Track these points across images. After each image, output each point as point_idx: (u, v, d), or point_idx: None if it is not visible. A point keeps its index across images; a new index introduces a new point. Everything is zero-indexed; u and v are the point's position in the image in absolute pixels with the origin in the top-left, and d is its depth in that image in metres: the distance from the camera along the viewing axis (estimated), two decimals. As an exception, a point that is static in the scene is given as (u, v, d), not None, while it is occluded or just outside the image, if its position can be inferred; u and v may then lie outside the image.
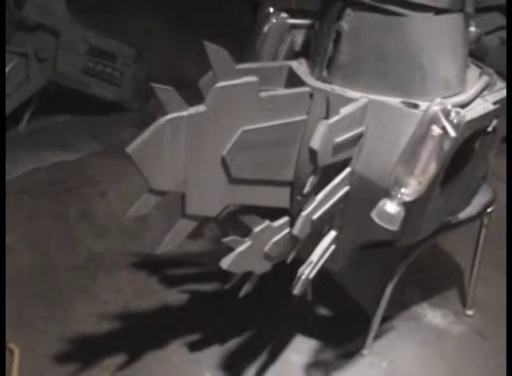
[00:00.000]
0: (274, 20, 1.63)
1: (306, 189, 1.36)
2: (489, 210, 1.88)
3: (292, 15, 1.66)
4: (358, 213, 1.47)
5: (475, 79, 1.58)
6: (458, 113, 1.30)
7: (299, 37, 1.65)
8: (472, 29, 1.61)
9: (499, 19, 2.70)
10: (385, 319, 1.93)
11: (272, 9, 1.65)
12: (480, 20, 2.62)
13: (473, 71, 1.63)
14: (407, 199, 1.32)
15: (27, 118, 3.07)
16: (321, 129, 1.26)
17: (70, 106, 3.19)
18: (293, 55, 1.63)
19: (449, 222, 1.75)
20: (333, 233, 1.55)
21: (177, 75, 2.76)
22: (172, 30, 3.88)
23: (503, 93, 1.57)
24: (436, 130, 1.29)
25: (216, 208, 1.43)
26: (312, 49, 1.54)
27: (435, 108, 1.29)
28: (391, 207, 1.31)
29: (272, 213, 1.57)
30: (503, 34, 2.62)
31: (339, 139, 1.31)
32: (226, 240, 1.51)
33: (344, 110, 1.30)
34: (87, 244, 2.31)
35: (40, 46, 2.85)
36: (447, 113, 1.29)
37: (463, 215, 1.78)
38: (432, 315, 2.08)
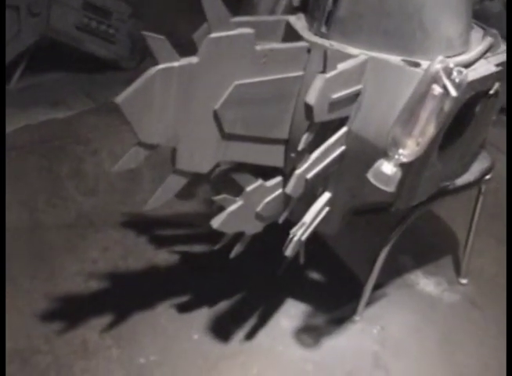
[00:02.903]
0: (271, -26, 1.57)
1: (300, 146, 1.32)
2: (487, 177, 1.84)
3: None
4: (354, 174, 1.43)
5: (478, 40, 1.54)
6: (460, 72, 1.25)
7: (295, -8, 1.59)
8: (477, -12, 1.56)
9: (504, -15, 2.65)
10: (378, 285, 1.90)
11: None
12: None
13: (476, 32, 1.59)
14: (404, 160, 1.28)
15: (18, 75, 3.00)
16: (317, 84, 1.21)
17: (64, 63, 3.14)
18: (291, 10, 1.58)
19: (446, 188, 1.71)
20: (327, 195, 1.51)
21: (174, 33, 2.69)
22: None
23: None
24: (437, 89, 1.24)
25: (207, 165, 1.39)
26: (311, 4, 1.48)
27: (437, 66, 1.25)
28: (387, 167, 1.27)
29: (266, 172, 1.53)
30: (506, -1, 2.58)
31: (336, 96, 1.26)
32: (217, 198, 1.48)
33: (342, 66, 1.26)
34: (76, 202, 2.27)
35: (32, 0, 2.77)
36: (449, 72, 1.25)
37: (460, 181, 1.74)
38: (425, 282, 2.05)
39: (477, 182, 1.81)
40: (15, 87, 2.99)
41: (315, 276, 2.01)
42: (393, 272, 2.05)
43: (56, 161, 2.48)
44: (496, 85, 1.48)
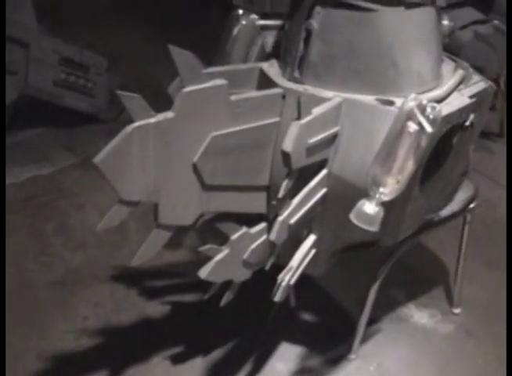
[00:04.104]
0: (244, 22, 1.59)
1: (281, 194, 1.32)
2: (472, 206, 1.85)
3: (262, 16, 1.62)
4: (337, 215, 1.43)
5: (450, 73, 1.55)
6: (434, 108, 1.26)
7: (270, 39, 1.61)
8: (445, 22, 1.59)
9: (473, 14, 2.68)
10: (371, 321, 1.90)
11: (241, 11, 1.61)
12: (453, 15, 2.62)
13: (448, 65, 1.60)
14: (385, 199, 1.28)
15: (-1, 133, 3.00)
16: (293, 131, 1.22)
17: (44, 119, 3.14)
18: (265, 57, 1.59)
19: (432, 220, 1.72)
20: (312, 237, 1.51)
21: (152, 83, 2.72)
22: (145, 38, 3.83)
23: (480, 86, 1.54)
24: (412, 126, 1.25)
25: (190, 217, 1.39)
26: (283, 50, 1.50)
27: (410, 104, 1.26)
28: (369, 207, 1.27)
29: (250, 219, 1.53)
30: (477, 28, 2.61)
31: (312, 140, 1.27)
32: (203, 249, 1.47)
33: (317, 110, 1.27)
34: (64, 259, 2.26)
35: (9, 59, 2.79)
36: (423, 109, 1.26)
37: (445, 213, 1.75)
38: (419, 315, 2.05)
39: (462, 211, 1.82)
40: (-4, 146, 2.98)
41: (307, 317, 2.01)
42: (386, 306, 2.05)
43: (42, 218, 2.47)
44: (471, 117, 1.49)
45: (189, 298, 2.05)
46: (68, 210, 2.53)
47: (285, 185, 1.32)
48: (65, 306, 2.04)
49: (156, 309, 2.02)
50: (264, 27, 1.62)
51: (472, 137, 1.61)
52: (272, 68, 1.49)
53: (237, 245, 1.50)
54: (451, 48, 2.20)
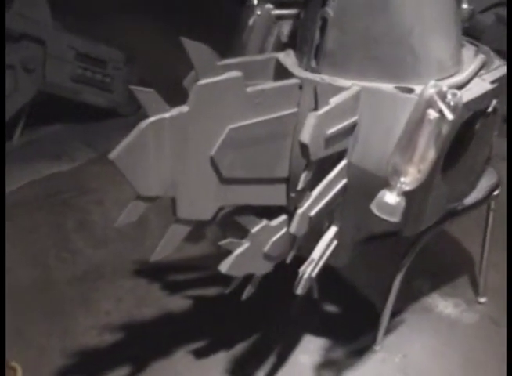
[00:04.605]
0: (259, 12, 1.57)
1: (300, 186, 1.30)
2: (496, 193, 1.82)
3: (278, 6, 1.60)
4: (358, 206, 1.41)
5: (471, 58, 1.52)
6: (454, 94, 1.23)
7: (286, 28, 1.59)
8: (465, 6, 1.56)
9: (494, -3, 2.63)
10: (395, 312, 1.87)
11: (256, 1, 1.59)
12: (474, -2, 2.58)
13: (468, 50, 1.57)
14: (407, 188, 1.26)
15: (19, 131, 3.00)
16: (310, 122, 1.20)
17: (63, 115, 3.13)
18: (281, 46, 1.57)
19: (455, 209, 1.69)
20: (333, 229, 1.49)
21: (171, 76, 2.69)
22: (162, 30, 3.81)
23: (502, 71, 1.50)
24: (433, 114, 1.23)
25: (209, 211, 1.38)
26: (299, 39, 1.48)
27: (430, 91, 1.23)
28: (390, 197, 1.25)
29: (270, 211, 1.51)
30: (499, 10, 2.55)
31: (331, 131, 1.25)
32: (223, 243, 1.46)
33: (334, 100, 1.25)
34: (86, 255, 2.26)
35: (26, 57, 2.79)
36: (443, 96, 1.23)
37: (468, 201, 1.72)
38: (443, 305, 2.02)
39: (486, 199, 1.79)
40: (16, 143, 2.98)
41: (330, 308, 1.99)
42: (410, 296, 2.02)
43: (63, 215, 2.47)
44: (494, 102, 1.46)
45: (210, 291, 2.04)
46: (89, 206, 2.52)
47: (304, 177, 1.30)
48: (87, 302, 2.03)
49: (178, 303, 2.01)
50: (279, 17, 1.59)
51: (495, 123, 1.58)
52: (288, 58, 1.47)
53: (257, 238, 1.49)
54: (472, 32, 2.16)
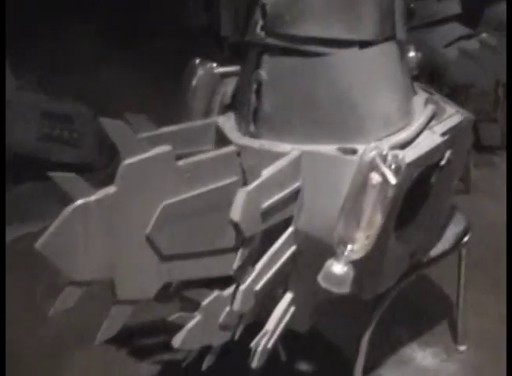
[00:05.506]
0: (201, 72, 1.52)
1: (236, 264, 1.23)
2: (465, 239, 1.75)
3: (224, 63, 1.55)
4: (312, 272, 1.34)
5: (422, 108, 1.46)
6: (396, 156, 1.17)
7: (230, 87, 1.53)
8: (412, 54, 1.50)
9: (458, 29, 2.58)
10: (371, 367, 1.79)
11: (198, 60, 1.54)
12: (438, 32, 2.53)
13: (421, 98, 1.52)
14: (355, 257, 1.19)
15: (-13, 193, 2.94)
16: (240, 198, 1.13)
17: (32, 174, 3.07)
18: (227, 107, 1.52)
19: (420, 262, 1.62)
20: (289, 295, 1.42)
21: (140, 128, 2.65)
22: (135, 84, 3.75)
23: (454, 120, 1.45)
24: (375, 178, 1.17)
25: (152, 289, 1.31)
26: (238, 102, 1.42)
27: (371, 154, 1.17)
28: (337, 268, 1.19)
29: (222, 280, 1.44)
30: (463, 44, 2.51)
31: (267, 203, 1.18)
32: (172, 318, 1.39)
33: (268, 172, 1.18)
34: (54, 321, 2.18)
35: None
36: (384, 158, 1.17)
37: (434, 252, 1.65)
38: (422, 355, 1.94)
39: (454, 248, 1.72)
40: (-16, 206, 2.92)
41: (302, 367, 1.90)
42: (386, 347, 1.94)
43: (33, 278, 2.40)
44: (448, 154, 1.40)
45: (180, 355, 1.96)
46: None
47: (240, 254, 1.23)
48: (54, 372, 1.96)
49: (147, 370, 1.94)
50: (224, 75, 1.54)
51: (453, 172, 1.52)
52: (228, 122, 1.41)
53: (210, 310, 1.42)
54: (437, 68, 2.12)
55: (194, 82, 1.53)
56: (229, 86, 1.53)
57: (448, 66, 2.41)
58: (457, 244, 1.72)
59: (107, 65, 3.76)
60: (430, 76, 2.47)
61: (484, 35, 2.59)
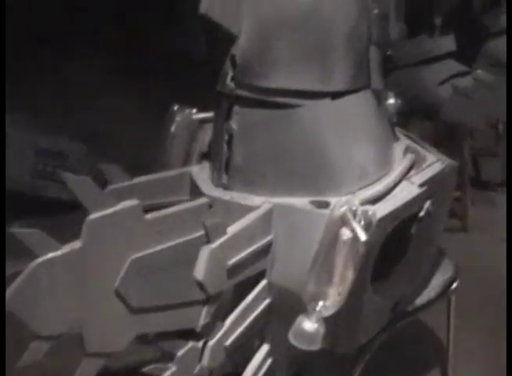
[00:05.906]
0: (178, 118, 1.51)
1: (201, 322, 1.21)
2: (454, 286, 1.71)
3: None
4: (287, 324, 1.31)
5: (401, 157, 1.44)
6: (366, 212, 1.15)
7: (208, 134, 1.51)
8: (391, 101, 1.48)
9: (453, 67, 2.55)
10: None
11: (176, 107, 1.53)
12: (432, 69, 2.51)
13: (402, 145, 1.49)
14: (326, 314, 1.16)
15: (-18, 231, 2.93)
16: (203, 256, 1.12)
17: (25, 211, 3.06)
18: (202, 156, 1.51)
19: (405, 311, 1.58)
20: (265, 347, 1.39)
21: (137, 161, 2.63)
22: (129, 117, 3.75)
23: (434, 169, 1.42)
24: (346, 234, 1.15)
25: (122, 342, 1.29)
26: (211, 152, 1.40)
27: (341, 209, 1.15)
28: (307, 325, 1.16)
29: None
30: (456, 81, 2.48)
31: (234, 260, 1.16)
32: (147, 369, 1.36)
33: (233, 228, 1.16)
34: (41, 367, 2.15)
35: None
36: (355, 213, 1.15)
37: (420, 301, 1.62)
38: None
39: (441, 296, 1.68)
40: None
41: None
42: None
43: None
44: (427, 204, 1.38)
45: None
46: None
47: (205, 312, 1.21)
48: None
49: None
50: (204, 121, 1.53)
51: (436, 221, 1.49)
52: (202, 173, 1.39)
53: (185, 361, 1.39)
54: (432, 106, 2.10)
55: (173, 129, 1.52)
56: (208, 133, 1.52)
57: (441, 105, 2.39)
58: (445, 291, 1.68)
59: (105, 101, 3.75)
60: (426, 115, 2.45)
61: (479, 72, 2.56)
